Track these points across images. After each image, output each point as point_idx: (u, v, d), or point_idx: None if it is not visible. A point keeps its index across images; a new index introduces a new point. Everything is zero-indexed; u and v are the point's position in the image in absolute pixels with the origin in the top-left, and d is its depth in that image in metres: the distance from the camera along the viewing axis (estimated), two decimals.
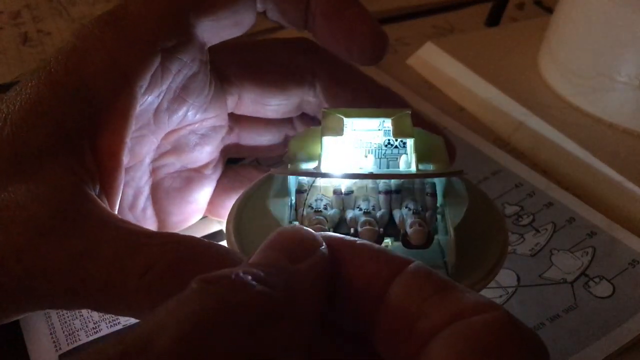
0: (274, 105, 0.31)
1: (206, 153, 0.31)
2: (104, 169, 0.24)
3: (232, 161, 0.35)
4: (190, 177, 0.31)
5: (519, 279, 0.31)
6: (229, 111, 0.31)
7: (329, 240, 0.18)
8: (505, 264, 0.31)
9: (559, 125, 0.41)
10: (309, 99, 0.31)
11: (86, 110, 0.24)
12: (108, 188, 0.24)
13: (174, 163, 0.30)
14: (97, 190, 0.24)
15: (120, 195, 0.25)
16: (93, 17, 0.26)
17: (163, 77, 0.26)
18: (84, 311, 0.28)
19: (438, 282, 0.16)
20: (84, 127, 0.24)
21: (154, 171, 0.29)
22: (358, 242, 0.18)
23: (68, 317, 0.28)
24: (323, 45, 0.29)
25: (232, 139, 0.33)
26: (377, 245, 0.18)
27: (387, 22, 0.56)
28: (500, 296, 0.30)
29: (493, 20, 0.56)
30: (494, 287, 0.30)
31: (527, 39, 0.50)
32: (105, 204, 0.24)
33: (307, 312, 0.16)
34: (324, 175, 0.24)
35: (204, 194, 0.31)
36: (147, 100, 0.26)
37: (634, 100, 0.40)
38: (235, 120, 0.32)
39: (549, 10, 0.57)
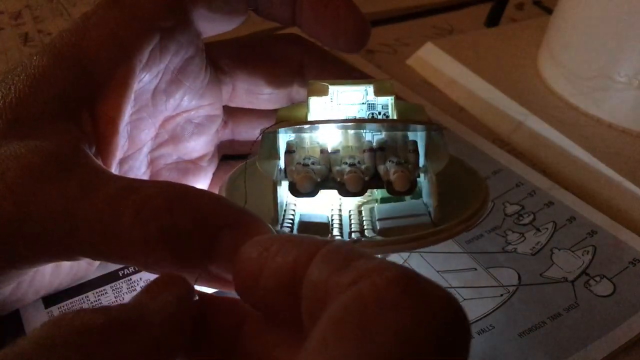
0: (267, 94, 0.33)
1: (202, 143, 0.32)
2: (102, 134, 0.25)
3: (228, 158, 0.35)
4: (187, 168, 0.32)
5: (520, 278, 0.31)
6: (224, 103, 0.32)
7: (258, 239, 0.19)
8: (507, 263, 0.31)
9: (559, 125, 0.41)
10: (298, 88, 0.32)
11: (87, 79, 0.25)
12: (104, 153, 0.25)
13: (171, 154, 0.31)
14: (94, 151, 0.25)
15: (116, 161, 0.26)
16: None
17: (161, 56, 0.27)
18: (86, 307, 0.28)
19: (345, 254, 0.17)
20: (84, 95, 0.25)
21: (151, 162, 0.30)
22: (282, 235, 0.19)
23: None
24: (310, 35, 0.30)
25: (227, 134, 0.34)
26: (298, 235, 0.19)
27: (387, 22, 0.56)
28: (501, 295, 0.30)
29: (493, 20, 0.56)
30: (495, 286, 0.30)
31: (527, 39, 0.50)
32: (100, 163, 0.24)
33: (159, 336, 0.17)
34: (313, 123, 0.26)
35: (200, 186, 0.32)
36: (145, 78, 0.27)
37: (633, 101, 0.40)
38: (230, 114, 0.33)
39: (549, 11, 0.57)
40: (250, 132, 0.34)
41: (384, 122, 0.26)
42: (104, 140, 0.25)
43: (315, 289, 0.17)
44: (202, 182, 0.32)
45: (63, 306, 0.28)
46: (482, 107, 0.45)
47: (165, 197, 0.21)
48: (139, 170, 0.29)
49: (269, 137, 0.26)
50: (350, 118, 0.27)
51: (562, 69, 0.44)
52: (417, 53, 0.50)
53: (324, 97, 0.26)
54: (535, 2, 0.61)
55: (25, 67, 0.25)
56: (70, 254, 0.22)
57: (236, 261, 0.19)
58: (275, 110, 0.34)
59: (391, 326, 0.14)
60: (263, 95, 0.33)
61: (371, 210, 0.26)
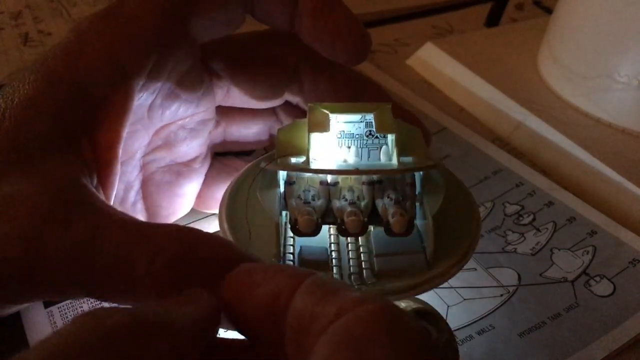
0: (261, 95, 0.32)
1: (195, 147, 0.31)
2: (101, 162, 0.24)
3: (219, 155, 0.35)
4: (180, 171, 0.31)
5: (520, 278, 0.31)
6: (217, 104, 0.32)
7: (246, 267, 0.20)
8: (507, 263, 0.31)
9: (559, 125, 0.41)
10: (293, 87, 0.32)
11: (84, 104, 0.24)
12: (104, 181, 0.25)
13: (163, 158, 0.31)
14: (94, 182, 0.24)
15: (116, 188, 0.26)
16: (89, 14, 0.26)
17: (160, 74, 0.26)
18: (86, 308, 0.28)
19: (328, 286, 0.18)
20: (82, 121, 0.24)
21: (144, 166, 0.30)
22: (266, 264, 0.20)
23: (70, 313, 0.28)
24: (308, 44, 0.30)
25: (219, 133, 0.33)
26: (281, 265, 0.20)
27: (386, 22, 0.56)
28: (502, 295, 0.30)
29: (493, 20, 0.56)
30: (495, 286, 0.30)
31: (527, 39, 0.50)
32: (101, 196, 0.24)
33: (183, 345, 0.17)
34: (313, 171, 0.26)
35: (193, 187, 0.32)
36: (143, 97, 0.26)
37: (633, 101, 0.40)
38: (222, 113, 0.33)
39: (549, 11, 0.57)
40: (242, 130, 0.34)
41: (382, 173, 0.26)
42: (103, 170, 0.24)
43: (300, 318, 0.17)
44: (195, 183, 0.32)
45: (63, 306, 0.28)
46: (482, 107, 0.45)
47: (178, 246, 0.21)
48: (131, 175, 0.29)
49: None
50: (351, 168, 0.27)
51: (562, 69, 0.44)
52: (417, 53, 0.50)
53: (325, 133, 0.26)
54: (535, 2, 0.61)
55: (18, 89, 0.24)
56: (78, 296, 0.22)
57: (224, 289, 0.19)
58: (268, 110, 0.34)
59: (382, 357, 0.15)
60: (257, 96, 0.32)
61: (367, 237, 0.26)
